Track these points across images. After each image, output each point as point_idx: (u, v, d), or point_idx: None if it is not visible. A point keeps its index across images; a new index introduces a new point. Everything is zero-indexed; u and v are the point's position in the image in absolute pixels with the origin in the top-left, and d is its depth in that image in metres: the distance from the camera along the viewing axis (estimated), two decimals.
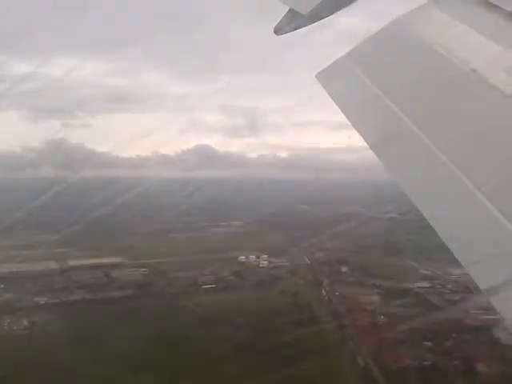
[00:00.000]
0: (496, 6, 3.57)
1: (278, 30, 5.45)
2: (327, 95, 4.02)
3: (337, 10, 4.87)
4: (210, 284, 55.74)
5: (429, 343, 41.63)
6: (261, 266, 64.36)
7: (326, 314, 48.59)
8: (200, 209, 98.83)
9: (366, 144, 3.36)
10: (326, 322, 46.65)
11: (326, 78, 4.30)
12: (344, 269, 63.28)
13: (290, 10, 5.20)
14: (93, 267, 58.03)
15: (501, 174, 2.62)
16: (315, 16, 4.93)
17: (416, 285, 57.15)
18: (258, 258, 66.94)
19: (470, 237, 2.57)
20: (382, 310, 49.58)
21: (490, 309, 49.92)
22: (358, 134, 3.48)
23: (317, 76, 4.33)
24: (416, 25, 4.04)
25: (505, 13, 3.51)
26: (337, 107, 3.82)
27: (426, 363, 38.23)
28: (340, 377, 36.63)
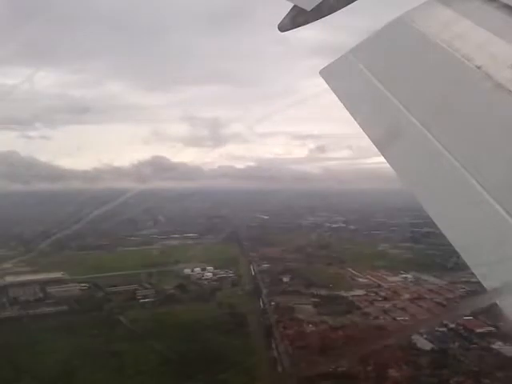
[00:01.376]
0: (501, 2, 3.58)
1: (282, 27, 5.47)
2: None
3: (341, 7, 4.91)
4: (149, 298, 56.21)
5: (348, 350, 43.16)
6: (204, 278, 65.15)
7: (257, 324, 49.78)
8: (155, 221, 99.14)
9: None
10: (255, 331, 47.89)
11: (330, 74, 4.28)
12: (285, 279, 64.59)
13: (294, 7, 5.21)
14: (31, 283, 57.76)
15: (506, 173, 2.60)
16: (319, 13, 4.94)
17: (351, 293, 58.99)
18: (204, 270, 67.68)
19: (474, 236, 2.56)
20: (313, 319, 51.08)
21: (414, 315, 51.85)
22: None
23: (320, 72, 4.31)
24: (420, 21, 3.98)
25: (510, 8, 3.50)
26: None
27: (340, 370, 39.74)
28: None
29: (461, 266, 66.70)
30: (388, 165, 3.19)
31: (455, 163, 2.73)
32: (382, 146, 3.30)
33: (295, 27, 5.36)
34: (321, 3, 4.77)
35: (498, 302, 2.23)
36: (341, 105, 3.85)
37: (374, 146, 3.33)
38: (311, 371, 39.32)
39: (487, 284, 2.29)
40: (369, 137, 3.42)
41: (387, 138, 3.37)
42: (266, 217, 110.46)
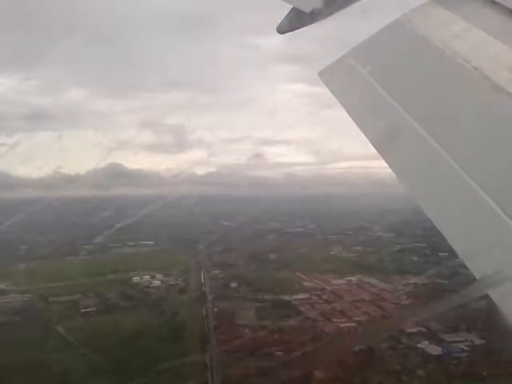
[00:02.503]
0: (498, 4, 3.62)
1: (281, 29, 5.48)
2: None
3: (339, 9, 4.90)
4: (91, 307, 56.07)
5: (280, 353, 44.30)
6: (152, 286, 65.29)
7: (195, 330, 50.34)
8: (112, 229, 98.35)
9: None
10: (191, 338, 48.46)
11: (329, 75, 4.29)
12: (233, 284, 65.40)
13: (293, 9, 5.20)
14: None
15: (504, 173, 2.63)
16: (317, 15, 4.95)
17: (294, 297, 60.17)
18: (153, 277, 67.83)
19: (472, 236, 2.60)
20: (252, 323, 52.01)
21: (350, 317, 53.31)
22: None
23: (319, 74, 4.31)
24: (418, 23, 4.00)
25: (507, 10, 3.54)
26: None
27: (265, 372, 40.62)
28: None
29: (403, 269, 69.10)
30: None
31: (453, 164, 2.77)
32: (381, 147, 3.34)
33: (293, 29, 5.41)
34: (319, 5, 4.84)
35: (489, 292, 2.27)
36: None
37: (373, 147, 3.36)
38: (237, 376, 40.19)
39: (478, 274, 2.35)
40: (367, 138, 3.45)
41: (385, 139, 3.38)
42: (226, 223, 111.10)
